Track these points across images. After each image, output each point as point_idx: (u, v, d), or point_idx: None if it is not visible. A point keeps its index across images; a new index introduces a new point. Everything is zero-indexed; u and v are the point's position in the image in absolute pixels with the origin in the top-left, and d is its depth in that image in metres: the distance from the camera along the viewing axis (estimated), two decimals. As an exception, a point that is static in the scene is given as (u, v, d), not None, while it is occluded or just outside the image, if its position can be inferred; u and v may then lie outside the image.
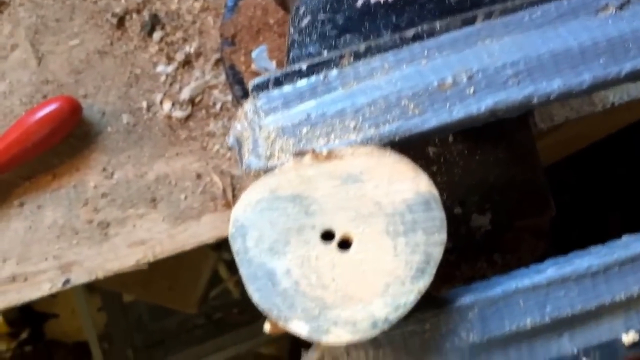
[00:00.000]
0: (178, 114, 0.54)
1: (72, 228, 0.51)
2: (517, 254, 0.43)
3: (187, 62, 0.55)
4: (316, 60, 0.29)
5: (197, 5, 0.56)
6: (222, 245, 1.09)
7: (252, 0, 0.54)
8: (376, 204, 0.26)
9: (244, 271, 0.25)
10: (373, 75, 0.29)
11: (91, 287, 1.04)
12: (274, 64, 0.53)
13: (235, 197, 0.54)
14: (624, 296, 0.28)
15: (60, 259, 0.50)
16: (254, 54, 0.53)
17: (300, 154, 0.26)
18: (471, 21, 0.30)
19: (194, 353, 1.01)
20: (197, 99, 0.54)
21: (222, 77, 0.55)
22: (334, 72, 0.29)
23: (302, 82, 0.29)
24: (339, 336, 0.24)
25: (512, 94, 0.28)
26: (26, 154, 0.50)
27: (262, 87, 0.28)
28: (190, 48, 0.55)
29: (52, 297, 1.04)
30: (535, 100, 0.28)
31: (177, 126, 0.54)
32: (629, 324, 0.29)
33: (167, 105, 0.54)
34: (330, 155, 0.26)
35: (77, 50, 0.54)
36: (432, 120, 0.28)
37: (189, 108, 0.54)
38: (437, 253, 0.25)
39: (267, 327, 0.25)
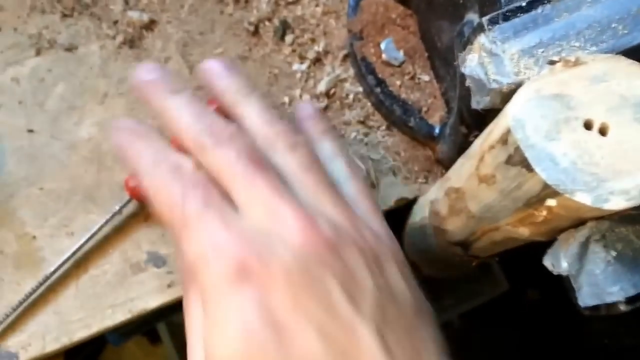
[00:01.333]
0: (316, 105, 0.59)
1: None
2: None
3: (317, 60, 0.61)
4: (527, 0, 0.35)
5: (319, 10, 0.62)
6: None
7: (373, 0, 0.61)
8: (621, 97, 0.31)
9: (528, 155, 0.30)
10: (580, 8, 0.35)
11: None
12: (401, 52, 0.59)
13: (377, 179, 0.59)
14: None
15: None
16: (382, 46, 0.59)
17: (552, 62, 0.32)
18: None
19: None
20: (332, 92, 0.60)
21: (351, 71, 0.61)
22: (548, 6, 0.35)
23: (525, 16, 0.35)
24: (617, 203, 0.29)
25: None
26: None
27: (493, 22, 0.34)
28: (318, 47, 0.61)
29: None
30: None
31: (315, 117, 0.59)
32: None
33: (306, 98, 0.60)
34: (576, 62, 0.32)
35: (221, 58, 0.60)
36: (638, 37, 0.34)
37: (325, 100, 0.60)
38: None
39: (553, 202, 0.30)
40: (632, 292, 0.33)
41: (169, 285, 0.53)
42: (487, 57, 0.34)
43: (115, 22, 0.59)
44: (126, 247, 0.54)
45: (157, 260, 0.54)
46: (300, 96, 0.60)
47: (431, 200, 0.48)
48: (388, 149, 0.59)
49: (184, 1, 0.61)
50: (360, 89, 0.61)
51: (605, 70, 0.32)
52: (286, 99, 0.60)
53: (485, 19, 0.35)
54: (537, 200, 0.32)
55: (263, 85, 0.60)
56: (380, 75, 0.59)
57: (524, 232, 0.36)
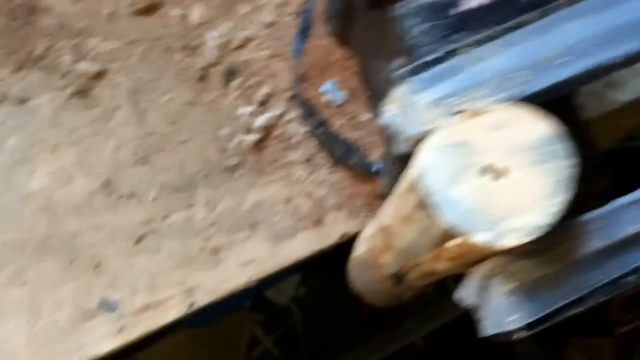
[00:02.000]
0: (252, 138, 0.61)
1: (189, 256, 0.57)
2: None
3: (264, 102, 0.63)
4: (441, 52, 0.38)
5: (265, 53, 0.65)
6: (256, 307, 1.14)
7: (316, 43, 0.63)
8: (520, 142, 0.34)
9: (434, 199, 0.32)
10: (488, 58, 0.38)
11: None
12: (343, 93, 0.62)
13: (321, 216, 0.61)
14: None
15: (183, 285, 0.56)
16: (324, 87, 0.62)
17: (456, 113, 0.35)
18: (550, 12, 0.39)
19: None
20: (276, 132, 0.62)
21: (296, 112, 0.64)
22: (458, 58, 0.38)
23: (437, 68, 0.37)
24: (511, 240, 0.32)
25: (595, 60, 0.37)
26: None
27: (409, 74, 0.37)
28: (265, 90, 0.63)
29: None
30: (615, 62, 0.37)
31: (264, 159, 0.62)
32: None
33: (249, 138, 0.62)
34: (478, 112, 0.34)
35: (170, 104, 0.62)
36: (540, 83, 0.37)
37: (262, 133, 0.62)
38: (573, 173, 0.33)
39: (458, 241, 0.33)
40: (531, 318, 0.35)
41: (120, 330, 0.55)
42: (403, 107, 0.37)
43: (66, 74, 0.61)
44: (78, 293, 0.55)
45: (108, 306, 0.55)
46: (244, 138, 0.62)
47: (368, 236, 0.50)
48: (333, 185, 0.61)
49: (133, 50, 0.63)
50: (307, 128, 0.63)
51: (505, 118, 0.34)
52: (233, 143, 0.62)
53: (404, 70, 0.37)
54: (446, 238, 0.34)
55: (209, 130, 0.62)
56: (322, 116, 0.61)
57: (442, 266, 0.39)
